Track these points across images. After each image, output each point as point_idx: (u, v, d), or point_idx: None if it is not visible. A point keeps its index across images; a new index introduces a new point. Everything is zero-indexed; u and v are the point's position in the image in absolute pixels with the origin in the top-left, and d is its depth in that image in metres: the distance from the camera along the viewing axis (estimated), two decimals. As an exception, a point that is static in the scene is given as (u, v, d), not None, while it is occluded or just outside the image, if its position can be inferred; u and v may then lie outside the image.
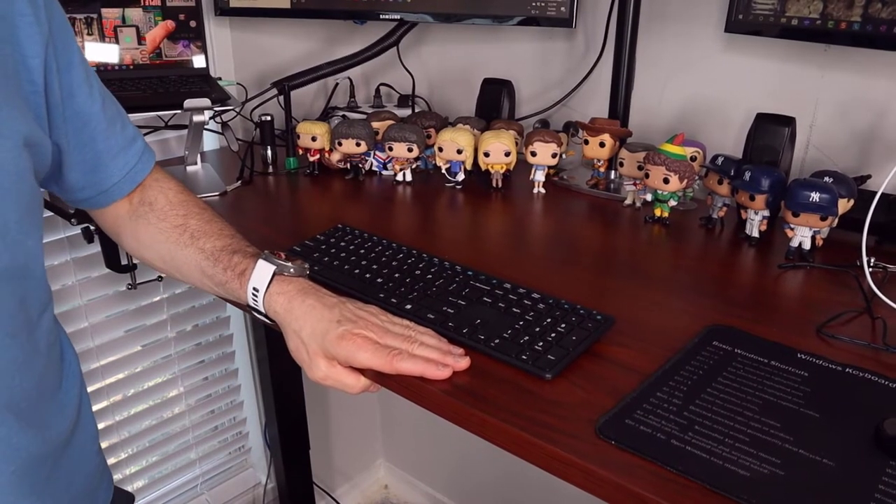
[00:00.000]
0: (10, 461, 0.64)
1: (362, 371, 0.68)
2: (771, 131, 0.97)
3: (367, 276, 0.83)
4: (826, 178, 0.89)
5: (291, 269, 0.73)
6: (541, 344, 0.69)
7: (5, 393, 0.63)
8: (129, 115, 1.09)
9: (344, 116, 1.39)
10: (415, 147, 1.16)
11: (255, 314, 0.75)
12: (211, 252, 0.76)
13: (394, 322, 0.70)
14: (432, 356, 0.67)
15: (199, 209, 0.82)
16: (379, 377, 0.68)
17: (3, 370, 0.63)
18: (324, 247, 0.91)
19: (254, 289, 0.72)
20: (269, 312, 0.72)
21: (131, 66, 1.20)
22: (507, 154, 1.12)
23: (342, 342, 0.66)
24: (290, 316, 0.70)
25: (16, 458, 0.64)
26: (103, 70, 1.17)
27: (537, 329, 0.71)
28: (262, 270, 0.72)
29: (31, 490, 0.67)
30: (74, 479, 0.74)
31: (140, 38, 1.19)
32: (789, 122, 0.97)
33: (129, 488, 1.49)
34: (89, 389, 1.34)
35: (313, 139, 1.20)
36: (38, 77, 0.65)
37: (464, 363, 0.67)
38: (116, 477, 1.45)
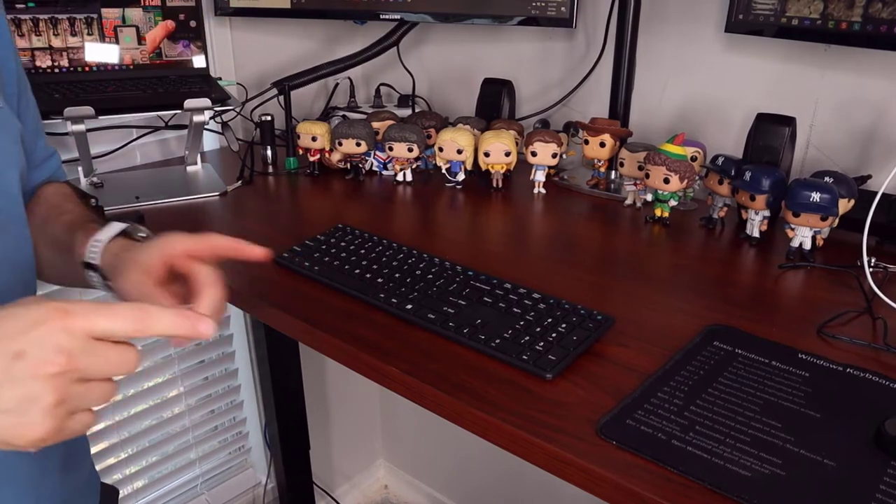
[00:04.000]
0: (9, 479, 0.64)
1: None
2: (771, 131, 0.97)
3: (368, 276, 0.83)
4: (826, 178, 0.89)
5: (142, 234, 0.69)
6: (541, 344, 0.69)
7: None
8: (130, 115, 1.09)
9: (344, 116, 1.39)
10: (415, 147, 1.16)
11: (87, 272, 0.68)
12: (71, 221, 0.72)
13: None
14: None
15: (82, 201, 0.77)
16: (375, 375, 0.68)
17: None
18: (324, 247, 0.91)
19: (96, 240, 0.67)
20: (103, 259, 0.67)
21: (131, 66, 1.20)
22: (508, 154, 1.12)
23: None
24: (127, 262, 0.64)
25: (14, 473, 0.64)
26: (103, 70, 1.17)
27: (538, 329, 0.71)
28: (112, 227, 0.68)
29: (45, 474, 0.67)
30: (64, 490, 0.73)
31: (140, 38, 1.19)
32: (790, 122, 0.97)
33: (128, 488, 1.49)
34: (89, 389, 1.35)
35: (313, 139, 1.20)
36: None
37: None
38: (116, 476, 1.45)
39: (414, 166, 1.21)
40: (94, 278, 0.68)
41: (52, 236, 0.72)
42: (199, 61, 1.25)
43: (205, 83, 1.21)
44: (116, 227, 0.69)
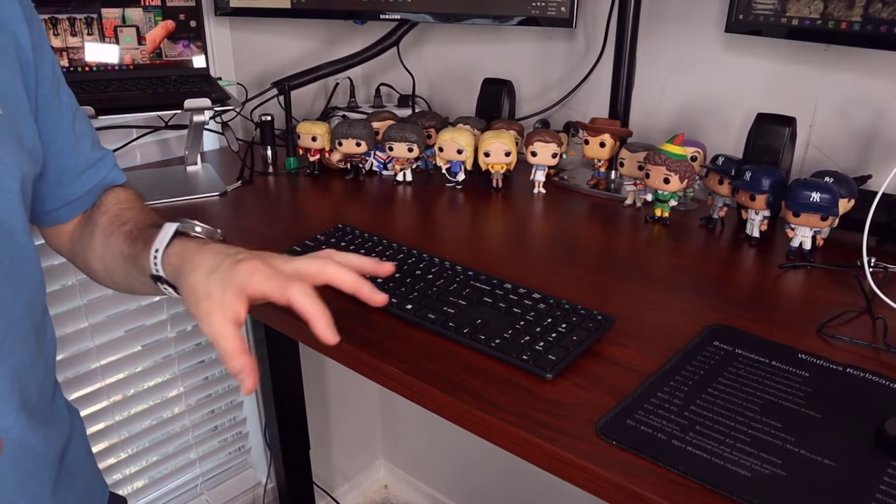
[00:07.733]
0: (24, 460, 0.64)
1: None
2: (771, 131, 0.97)
3: (367, 276, 0.83)
4: (827, 178, 0.89)
5: (198, 229, 0.67)
6: (541, 344, 0.69)
7: (16, 394, 0.63)
8: (130, 115, 1.09)
9: (344, 116, 1.39)
10: (415, 147, 1.16)
11: (159, 285, 0.66)
12: (130, 231, 0.70)
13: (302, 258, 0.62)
14: (346, 281, 0.62)
15: (142, 206, 0.77)
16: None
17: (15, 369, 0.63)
18: (324, 247, 0.91)
19: (155, 250, 0.64)
20: (166, 268, 0.64)
21: (131, 66, 1.20)
22: (508, 154, 1.12)
23: (239, 265, 0.58)
24: (186, 264, 0.61)
25: (27, 457, 0.65)
26: (103, 70, 1.17)
27: (538, 329, 0.71)
28: (166, 230, 0.65)
29: (41, 491, 0.67)
30: (75, 483, 0.74)
31: (140, 38, 1.19)
32: (790, 122, 0.97)
33: (128, 488, 1.49)
34: (89, 389, 1.35)
35: (313, 139, 1.20)
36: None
37: (379, 298, 0.63)
38: (116, 476, 1.45)
39: (414, 166, 1.21)
40: (166, 289, 0.66)
41: (118, 250, 0.71)
42: (199, 61, 1.25)
43: (205, 83, 1.20)
44: (170, 229, 0.65)
